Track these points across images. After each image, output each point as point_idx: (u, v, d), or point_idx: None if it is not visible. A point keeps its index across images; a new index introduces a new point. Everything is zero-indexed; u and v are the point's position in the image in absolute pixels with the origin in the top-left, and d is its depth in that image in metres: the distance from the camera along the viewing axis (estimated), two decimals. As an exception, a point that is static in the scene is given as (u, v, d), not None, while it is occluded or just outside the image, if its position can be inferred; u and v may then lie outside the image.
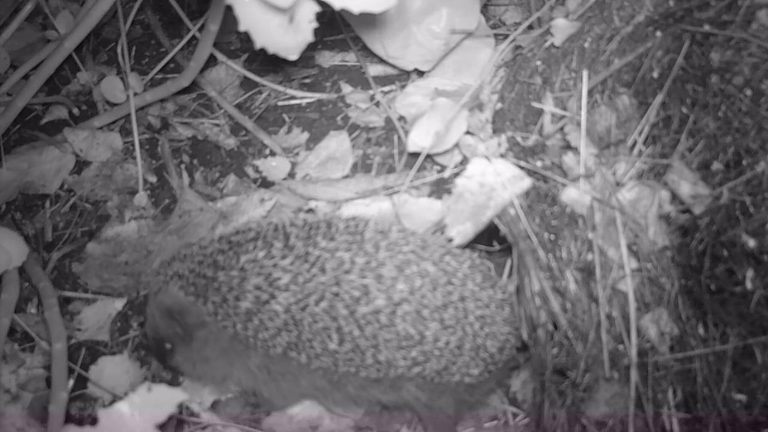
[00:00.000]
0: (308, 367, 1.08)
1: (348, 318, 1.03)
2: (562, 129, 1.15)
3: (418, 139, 1.32)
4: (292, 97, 1.55)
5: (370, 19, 1.36)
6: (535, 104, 1.21)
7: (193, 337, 1.11)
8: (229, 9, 1.02)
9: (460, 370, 1.08)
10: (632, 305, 1.03)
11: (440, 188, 1.35)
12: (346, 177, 1.42)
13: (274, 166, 1.47)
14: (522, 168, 1.16)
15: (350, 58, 1.58)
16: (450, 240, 1.15)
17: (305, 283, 1.04)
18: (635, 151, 1.12)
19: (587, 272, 1.07)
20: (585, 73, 1.15)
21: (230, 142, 1.53)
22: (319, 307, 1.03)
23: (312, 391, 1.14)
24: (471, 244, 1.24)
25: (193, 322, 1.09)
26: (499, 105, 1.28)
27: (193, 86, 1.50)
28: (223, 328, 1.08)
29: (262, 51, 1.03)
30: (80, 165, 1.55)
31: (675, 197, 1.05)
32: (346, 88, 1.53)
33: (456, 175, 1.26)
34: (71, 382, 1.20)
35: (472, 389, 1.12)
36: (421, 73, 1.48)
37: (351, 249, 1.05)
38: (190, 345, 1.12)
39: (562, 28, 1.22)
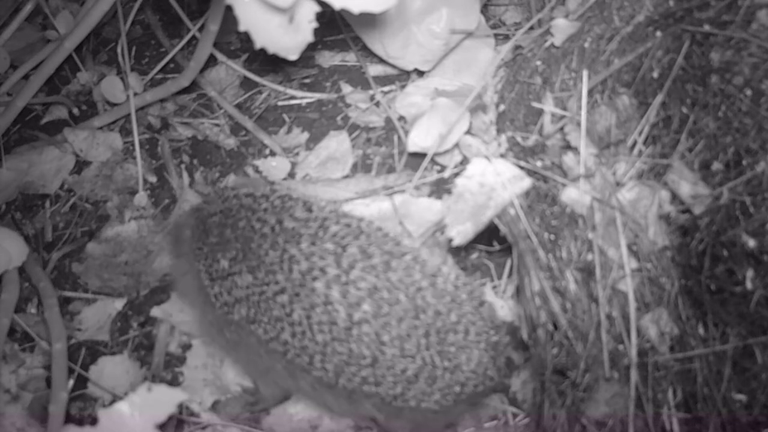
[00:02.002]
0: (266, 345, 1.07)
1: (302, 320, 1.02)
2: (562, 129, 1.15)
3: (418, 139, 1.32)
4: (292, 97, 1.55)
5: (370, 19, 1.37)
6: (535, 104, 1.21)
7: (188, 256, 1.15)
8: (229, 9, 1.02)
9: (416, 397, 1.04)
10: (632, 305, 1.03)
11: (440, 188, 1.35)
12: (346, 177, 1.42)
13: (274, 166, 1.47)
14: (522, 168, 1.16)
15: (350, 58, 1.58)
16: (450, 240, 1.15)
17: (268, 274, 1.04)
18: (635, 151, 1.12)
19: (587, 272, 1.07)
20: (585, 73, 1.15)
21: (230, 142, 1.53)
22: (277, 299, 1.03)
23: (270, 369, 1.12)
24: (471, 244, 1.24)
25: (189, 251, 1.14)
26: (500, 105, 1.28)
27: (193, 86, 1.50)
28: (198, 272, 1.11)
29: (262, 51, 1.03)
30: (80, 165, 1.56)
31: (675, 197, 1.05)
32: (346, 88, 1.53)
33: (456, 175, 1.26)
34: (71, 382, 1.20)
35: (435, 414, 1.08)
36: (421, 73, 1.48)
37: (326, 259, 1.02)
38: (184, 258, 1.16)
39: (562, 28, 1.22)
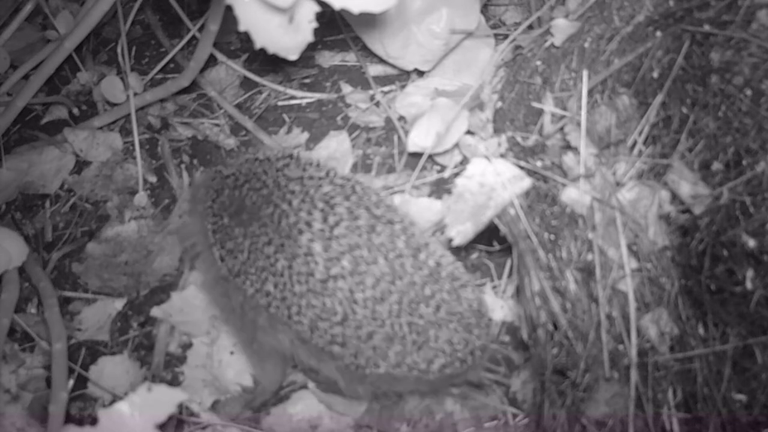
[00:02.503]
0: (251, 300, 1.10)
1: (284, 270, 1.06)
2: (562, 129, 1.15)
3: (418, 139, 1.32)
4: (292, 97, 1.55)
5: (370, 19, 1.37)
6: (535, 104, 1.21)
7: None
8: (229, 9, 1.02)
9: (379, 363, 1.06)
10: (632, 305, 1.03)
11: (440, 188, 1.35)
12: (346, 177, 1.42)
13: (274, 166, 1.47)
14: (522, 168, 1.16)
15: (350, 58, 1.58)
16: (450, 240, 1.15)
17: (260, 227, 1.08)
18: (635, 151, 1.12)
19: (587, 272, 1.07)
20: (585, 73, 1.15)
21: (230, 142, 1.53)
22: (264, 250, 1.07)
23: (255, 324, 1.15)
24: (471, 244, 1.24)
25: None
26: (499, 105, 1.28)
27: (193, 86, 1.50)
28: (206, 230, 1.15)
29: (262, 51, 1.03)
30: (80, 165, 1.56)
31: (675, 197, 1.05)
32: (346, 88, 1.53)
33: (456, 175, 1.26)
34: (71, 382, 1.20)
35: (397, 383, 1.12)
36: (421, 73, 1.48)
37: (313, 214, 1.06)
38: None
39: (562, 28, 1.22)
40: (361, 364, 1.07)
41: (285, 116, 1.54)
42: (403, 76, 1.51)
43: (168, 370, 1.31)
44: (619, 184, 1.09)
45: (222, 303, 1.20)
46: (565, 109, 1.16)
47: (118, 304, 1.39)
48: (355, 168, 1.43)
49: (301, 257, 1.05)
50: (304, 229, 1.06)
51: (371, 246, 1.06)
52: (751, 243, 0.94)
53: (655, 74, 1.13)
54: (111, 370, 1.32)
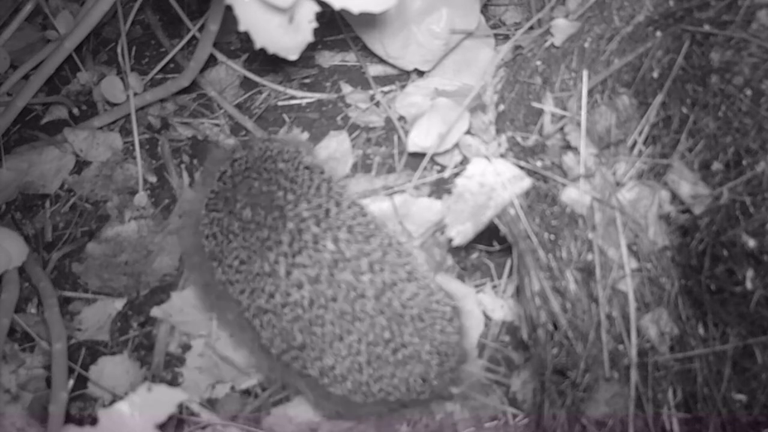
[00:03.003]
0: (219, 288, 1.11)
1: (250, 282, 1.06)
2: (562, 129, 1.15)
3: (418, 139, 1.32)
4: (292, 97, 1.55)
5: (370, 19, 1.37)
6: (535, 104, 1.21)
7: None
8: (229, 9, 1.02)
9: (342, 388, 1.07)
10: (632, 305, 1.03)
11: (440, 188, 1.35)
12: (346, 177, 1.42)
13: (274, 166, 1.47)
14: (522, 168, 1.16)
15: (350, 58, 1.58)
16: (450, 240, 1.15)
17: (241, 230, 1.09)
18: (635, 151, 1.12)
19: (587, 272, 1.07)
20: (585, 73, 1.15)
21: (230, 142, 1.52)
22: (239, 254, 1.07)
23: (238, 325, 1.15)
24: (471, 244, 1.24)
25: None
26: (500, 105, 1.28)
27: (193, 86, 1.50)
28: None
29: (262, 51, 1.03)
30: (80, 165, 1.56)
31: (675, 197, 1.05)
32: (346, 88, 1.53)
33: (456, 175, 1.26)
34: (71, 382, 1.20)
35: (361, 407, 1.11)
36: (421, 73, 1.48)
37: (281, 234, 1.05)
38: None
39: (562, 28, 1.22)
40: (325, 383, 1.07)
41: (285, 116, 1.54)
42: (403, 76, 1.51)
43: (168, 370, 1.31)
44: (619, 184, 1.09)
45: (219, 305, 1.20)
46: (565, 109, 1.16)
47: (118, 304, 1.39)
48: (355, 168, 1.43)
49: (264, 277, 1.04)
50: (272, 246, 1.05)
51: (332, 281, 1.03)
52: (751, 243, 0.94)
53: (655, 74, 1.13)
54: (111, 370, 1.32)
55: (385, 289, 1.05)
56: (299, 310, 1.03)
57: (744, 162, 0.98)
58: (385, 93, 1.50)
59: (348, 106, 1.52)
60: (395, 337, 1.05)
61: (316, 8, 1.03)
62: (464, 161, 1.32)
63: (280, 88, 1.56)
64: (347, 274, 1.04)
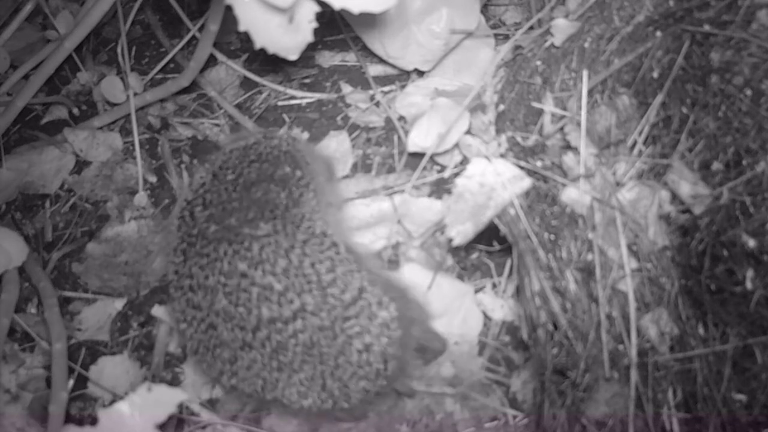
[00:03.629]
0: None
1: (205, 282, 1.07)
2: (562, 129, 1.15)
3: (418, 139, 1.32)
4: (292, 97, 1.55)
5: (370, 19, 1.37)
6: (535, 104, 1.21)
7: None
8: (229, 9, 1.02)
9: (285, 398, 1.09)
10: (632, 305, 1.03)
11: (440, 188, 1.35)
12: (346, 177, 1.42)
13: (274, 166, 1.47)
14: (522, 168, 1.16)
15: (350, 58, 1.58)
16: (450, 240, 1.15)
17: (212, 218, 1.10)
18: (635, 151, 1.12)
19: (587, 272, 1.07)
20: (585, 73, 1.15)
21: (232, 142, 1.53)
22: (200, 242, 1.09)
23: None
24: (471, 244, 1.24)
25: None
26: (500, 105, 1.28)
27: (193, 86, 1.50)
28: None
29: (262, 51, 1.03)
30: (80, 165, 1.56)
31: (675, 197, 1.05)
32: (346, 88, 1.53)
33: (456, 175, 1.26)
34: (71, 382, 1.20)
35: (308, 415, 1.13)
36: (421, 73, 1.48)
37: (251, 250, 1.04)
38: None
39: (562, 28, 1.22)
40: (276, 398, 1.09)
41: (285, 116, 1.54)
42: (403, 76, 1.51)
43: (168, 370, 1.31)
44: (619, 184, 1.09)
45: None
46: (565, 109, 1.16)
47: (118, 304, 1.39)
48: (355, 168, 1.43)
49: (233, 282, 1.04)
50: (244, 257, 1.05)
51: (287, 317, 1.04)
52: (751, 243, 0.94)
53: (655, 74, 1.13)
54: (111, 370, 1.32)
55: (332, 325, 1.04)
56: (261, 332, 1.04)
57: (744, 162, 0.98)
58: (385, 93, 1.50)
59: (348, 106, 1.52)
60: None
61: (316, 8, 1.03)
62: (464, 161, 1.32)
63: (280, 88, 1.56)
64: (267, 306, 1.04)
